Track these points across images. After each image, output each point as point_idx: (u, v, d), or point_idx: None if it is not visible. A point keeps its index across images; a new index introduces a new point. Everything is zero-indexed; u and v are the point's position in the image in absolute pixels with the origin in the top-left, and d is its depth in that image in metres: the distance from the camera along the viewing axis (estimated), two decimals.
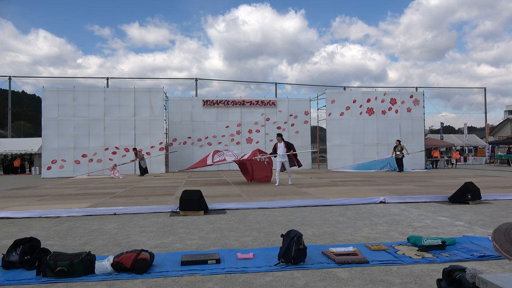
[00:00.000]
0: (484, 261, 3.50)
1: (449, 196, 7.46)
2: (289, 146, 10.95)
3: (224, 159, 11.40)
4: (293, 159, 11.02)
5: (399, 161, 17.80)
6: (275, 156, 11.25)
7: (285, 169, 11.09)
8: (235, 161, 11.71)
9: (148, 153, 19.31)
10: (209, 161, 11.25)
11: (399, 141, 18.33)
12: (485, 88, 37.50)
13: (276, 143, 11.09)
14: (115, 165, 17.37)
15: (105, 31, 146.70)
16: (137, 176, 17.53)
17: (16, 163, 25.98)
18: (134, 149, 18.20)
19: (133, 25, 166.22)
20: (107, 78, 30.70)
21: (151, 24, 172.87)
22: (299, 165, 11.11)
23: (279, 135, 11.20)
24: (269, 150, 21.57)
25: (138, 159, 17.68)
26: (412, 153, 19.48)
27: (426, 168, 22.06)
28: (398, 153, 17.71)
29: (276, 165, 11.20)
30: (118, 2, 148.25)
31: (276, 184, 10.84)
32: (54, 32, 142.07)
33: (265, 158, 11.68)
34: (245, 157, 11.50)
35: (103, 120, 19.77)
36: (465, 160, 31.11)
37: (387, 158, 19.16)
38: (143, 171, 17.62)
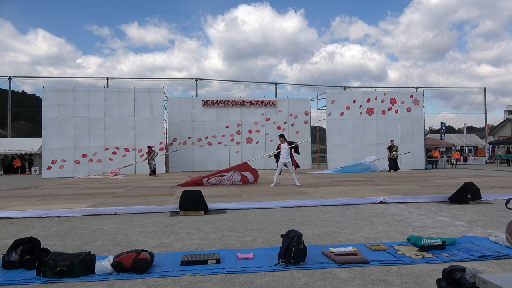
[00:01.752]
0: (484, 261, 3.50)
1: (449, 196, 7.46)
2: (291, 144, 10.95)
3: (220, 182, 11.54)
4: (293, 160, 11.05)
5: (395, 161, 17.98)
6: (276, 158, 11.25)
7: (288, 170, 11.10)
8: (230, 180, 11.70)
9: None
10: (204, 181, 11.36)
11: (392, 141, 18.54)
12: (485, 88, 37.58)
13: (279, 144, 11.05)
14: (118, 170, 17.42)
15: (104, 31, 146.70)
16: (140, 175, 17.52)
17: (16, 164, 25.94)
18: (149, 147, 18.15)
19: (132, 25, 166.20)
20: (107, 78, 30.72)
21: (150, 24, 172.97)
22: (297, 166, 11.20)
23: (282, 136, 11.14)
24: (269, 150, 21.77)
25: (149, 158, 17.57)
26: (401, 154, 19.29)
27: (426, 168, 22.08)
28: (394, 153, 17.90)
29: (278, 166, 11.19)
30: (117, 1, 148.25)
31: (272, 184, 10.83)
32: (53, 31, 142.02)
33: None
34: (234, 174, 11.66)
35: (103, 120, 19.77)
36: (465, 160, 31.13)
37: (366, 163, 18.59)
38: (152, 171, 17.49)
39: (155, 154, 17.92)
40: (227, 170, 11.74)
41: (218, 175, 11.54)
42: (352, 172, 17.64)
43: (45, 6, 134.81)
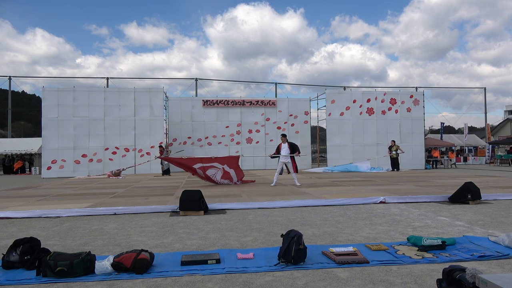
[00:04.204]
0: (484, 261, 3.50)
1: (449, 196, 7.46)
2: (293, 147, 10.89)
3: (216, 181, 11.23)
4: (293, 164, 10.98)
5: (395, 161, 18.13)
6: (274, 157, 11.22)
7: (289, 172, 11.09)
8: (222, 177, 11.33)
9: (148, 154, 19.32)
10: (199, 172, 10.95)
11: (394, 141, 18.67)
12: (485, 88, 37.58)
13: (280, 144, 11.03)
14: (121, 170, 17.40)
15: (103, 31, 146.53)
16: (140, 175, 17.51)
17: (17, 165, 25.95)
18: (160, 146, 18.09)
19: (131, 25, 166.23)
20: (107, 78, 30.71)
21: (149, 23, 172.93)
22: (296, 170, 11.11)
23: (284, 136, 11.11)
24: (269, 150, 21.77)
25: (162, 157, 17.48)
26: (394, 155, 19.17)
27: (426, 168, 22.10)
28: (394, 152, 18.09)
29: (277, 166, 11.20)
30: (115, 1, 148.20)
31: (272, 184, 10.82)
32: (52, 31, 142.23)
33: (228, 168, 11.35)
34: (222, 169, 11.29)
35: (103, 120, 19.77)
36: (465, 160, 31.14)
37: (355, 164, 19.03)
38: (165, 171, 17.32)
39: (168, 153, 17.85)
40: (218, 161, 11.25)
41: (208, 164, 11.01)
42: (352, 172, 17.67)
43: (43, 6, 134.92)
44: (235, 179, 11.53)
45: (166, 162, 17.35)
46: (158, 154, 17.88)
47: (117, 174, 17.00)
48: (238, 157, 11.97)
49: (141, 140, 19.90)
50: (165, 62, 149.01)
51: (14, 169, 25.69)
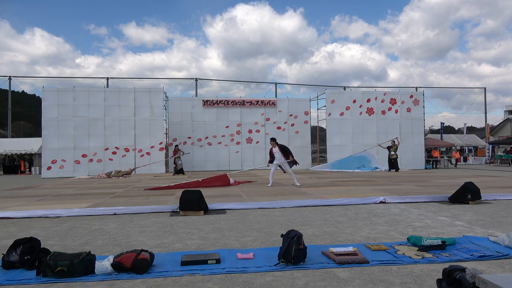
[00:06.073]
0: (484, 261, 3.50)
1: (449, 196, 7.46)
2: (284, 150, 10.69)
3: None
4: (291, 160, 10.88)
5: (394, 161, 18.10)
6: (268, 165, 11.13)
7: (285, 171, 11.02)
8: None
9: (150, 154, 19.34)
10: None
11: (393, 141, 18.57)
12: (485, 88, 37.55)
13: (271, 148, 10.90)
14: (131, 170, 17.47)
15: (102, 30, 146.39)
16: (140, 176, 17.52)
17: (22, 165, 26.13)
18: (176, 145, 18.46)
19: (130, 24, 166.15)
20: (107, 78, 30.71)
21: (148, 23, 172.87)
22: (296, 163, 10.91)
23: (273, 140, 10.92)
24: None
25: (175, 157, 17.70)
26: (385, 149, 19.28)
27: (426, 168, 22.12)
28: (392, 153, 18.01)
29: (272, 167, 11.07)
30: (113, 1, 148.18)
31: (269, 185, 10.77)
32: (51, 31, 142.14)
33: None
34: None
35: (103, 120, 19.77)
36: (465, 160, 31.16)
37: (360, 154, 19.52)
38: (179, 171, 17.58)
39: (182, 153, 18.00)
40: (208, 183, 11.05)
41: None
42: (352, 172, 17.67)
43: (42, 5, 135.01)
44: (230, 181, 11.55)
45: (180, 162, 17.59)
46: (163, 154, 18.11)
47: (127, 173, 17.10)
48: (225, 176, 11.62)
49: (141, 140, 19.91)
50: (164, 62, 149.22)
51: (23, 170, 25.83)
